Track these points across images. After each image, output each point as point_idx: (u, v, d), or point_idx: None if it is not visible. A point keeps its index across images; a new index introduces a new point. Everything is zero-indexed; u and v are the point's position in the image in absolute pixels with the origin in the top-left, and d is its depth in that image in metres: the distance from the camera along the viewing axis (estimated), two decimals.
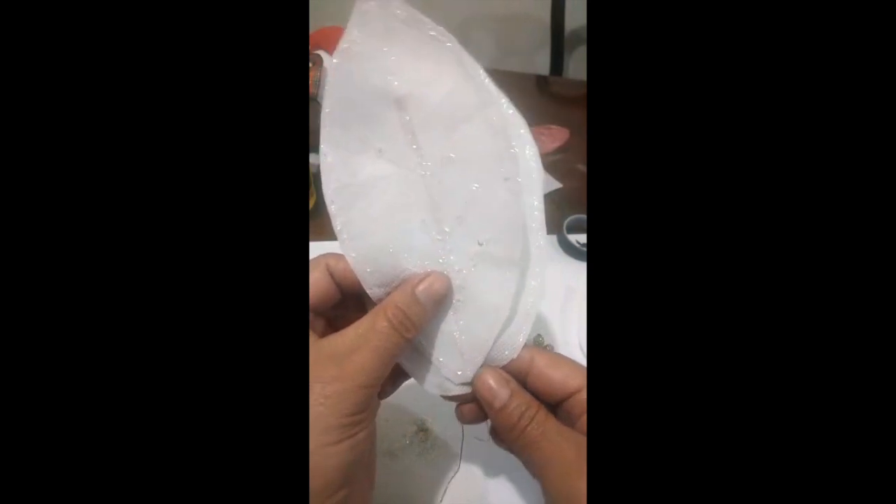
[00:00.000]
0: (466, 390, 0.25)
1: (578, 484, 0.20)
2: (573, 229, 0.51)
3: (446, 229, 0.23)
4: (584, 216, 0.52)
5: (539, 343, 0.41)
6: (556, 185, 0.60)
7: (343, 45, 0.22)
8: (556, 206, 0.56)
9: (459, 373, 0.24)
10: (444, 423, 0.35)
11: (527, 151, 0.23)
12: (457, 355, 0.24)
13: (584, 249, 0.49)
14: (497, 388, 0.23)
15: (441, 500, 0.31)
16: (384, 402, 0.36)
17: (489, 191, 0.22)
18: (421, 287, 0.23)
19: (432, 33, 0.22)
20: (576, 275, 0.47)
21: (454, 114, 0.22)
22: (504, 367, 0.24)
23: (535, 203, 0.23)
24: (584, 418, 0.23)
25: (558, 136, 0.67)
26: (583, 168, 0.63)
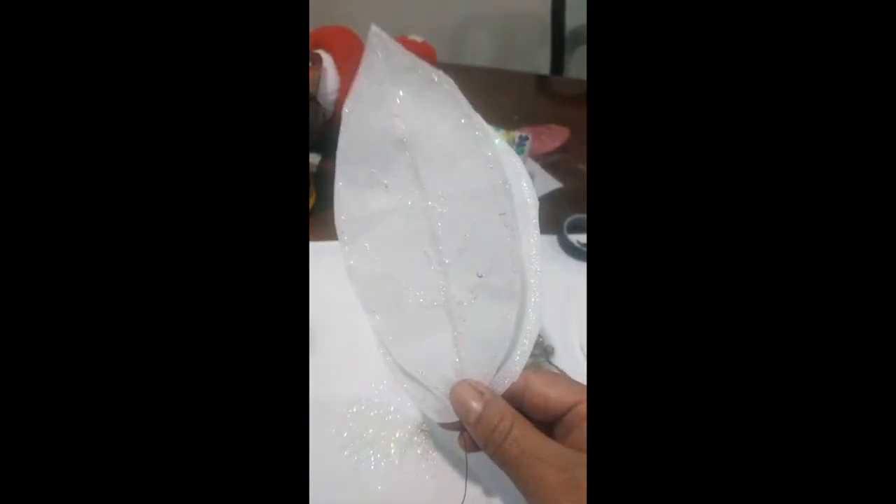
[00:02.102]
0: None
1: (560, 499, 0.20)
2: (573, 229, 0.51)
3: (447, 261, 0.24)
4: (584, 216, 0.52)
5: (539, 343, 0.41)
6: (556, 185, 0.60)
7: (354, 91, 0.24)
8: (556, 206, 0.56)
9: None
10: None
11: (522, 183, 0.25)
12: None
13: (584, 249, 0.49)
14: (469, 402, 0.23)
15: None
16: (384, 403, 0.36)
17: (486, 225, 0.23)
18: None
19: (433, 77, 0.23)
20: (576, 275, 0.47)
21: (453, 152, 0.24)
22: (503, 391, 0.24)
23: (534, 232, 0.25)
24: (582, 426, 0.23)
25: (558, 135, 0.67)
26: (583, 168, 0.63)
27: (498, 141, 0.25)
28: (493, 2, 1.06)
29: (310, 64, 0.49)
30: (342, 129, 0.24)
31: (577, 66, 1.07)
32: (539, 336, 0.41)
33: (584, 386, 0.24)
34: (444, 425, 0.25)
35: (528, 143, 0.52)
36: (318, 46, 0.52)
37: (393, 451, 0.34)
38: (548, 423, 0.24)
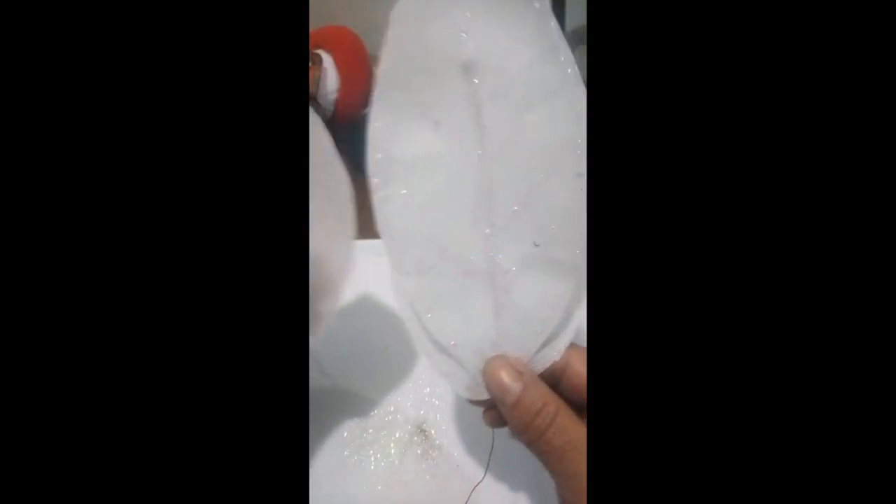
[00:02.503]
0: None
1: None
2: None
3: (499, 223, 0.21)
4: None
5: None
6: None
7: None
8: None
9: None
10: (444, 424, 0.35)
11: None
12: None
13: None
14: (508, 382, 0.20)
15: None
16: (383, 403, 0.36)
17: (557, 185, 0.20)
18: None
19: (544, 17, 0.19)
20: None
21: (532, 90, 0.20)
22: (542, 370, 0.22)
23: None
24: None
25: None
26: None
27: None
28: None
29: (310, 64, 0.49)
30: (386, 43, 0.19)
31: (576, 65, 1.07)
32: None
33: None
34: (473, 402, 0.23)
35: None
36: (318, 46, 0.52)
37: (393, 451, 0.34)
38: (583, 405, 0.22)
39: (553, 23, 0.19)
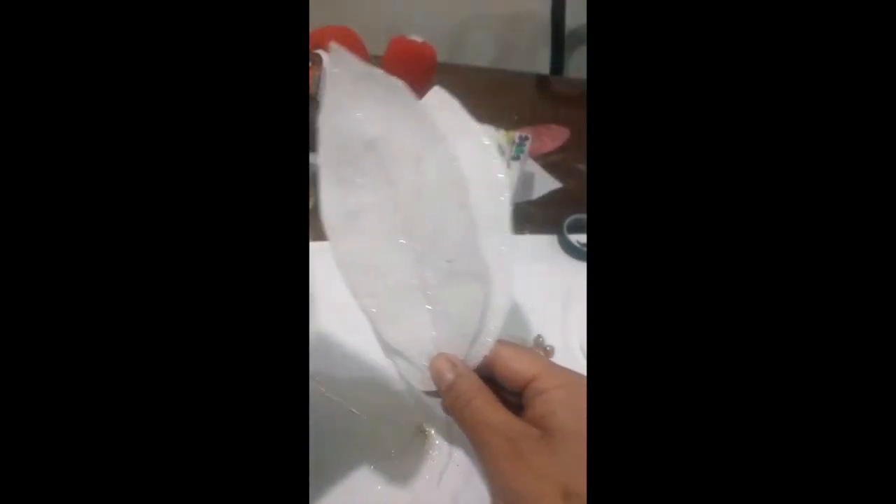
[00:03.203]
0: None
1: (507, 462, 0.22)
2: (573, 229, 0.51)
3: (419, 249, 0.27)
4: (584, 216, 0.52)
5: (540, 343, 0.41)
6: (556, 185, 0.60)
7: (325, 104, 0.26)
8: (556, 206, 0.56)
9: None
10: (445, 423, 0.35)
11: (491, 160, 0.27)
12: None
13: (584, 249, 0.49)
14: (444, 371, 0.26)
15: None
16: (383, 403, 0.36)
17: (449, 217, 0.26)
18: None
19: (389, 82, 0.26)
20: (576, 275, 0.47)
21: (415, 151, 0.26)
22: (477, 364, 0.27)
23: (502, 203, 0.27)
24: (536, 402, 0.24)
25: (558, 135, 0.67)
26: (583, 168, 0.63)
27: (462, 119, 0.28)
28: (493, 2, 1.06)
29: (310, 64, 0.49)
30: (319, 139, 0.27)
31: (577, 66, 1.07)
32: (539, 336, 0.41)
33: (546, 360, 0.26)
34: (426, 392, 0.28)
35: (527, 143, 0.52)
36: (319, 46, 0.52)
37: (393, 451, 0.34)
38: (517, 394, 0.26)
39: (411, 99, 0.26)
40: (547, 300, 0.45)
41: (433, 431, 0.35)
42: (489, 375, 0.27)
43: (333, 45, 0.25)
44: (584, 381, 0.25)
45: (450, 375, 0.26)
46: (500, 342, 0.27)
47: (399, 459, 0.33)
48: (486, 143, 0.28)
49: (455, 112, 0.29)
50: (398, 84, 0.26)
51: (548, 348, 0.41)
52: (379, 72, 0.26)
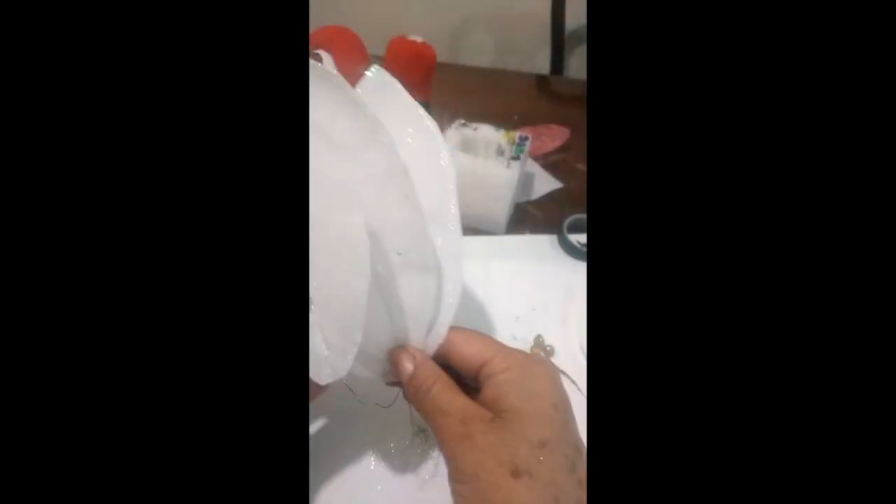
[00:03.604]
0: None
1: (458, 443, 0.23)
2: (573, 229, 0.51)
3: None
4: (584, 216, 0.52)
5: (539, 343, 0.41)
6: (557, 185, 0.60)
7: None
8: (556, 206, 0.56)
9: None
10: None
11: (441, 150, 0.27)
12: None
13: (584, 249, 0.49)
14: (403, 362, 0.27)
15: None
16: (384, 402, 0.36)
17: (395, 208, 0.26)
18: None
19: (325, 72, 0.25)
20: (576, 275, 0.47)
21: (355, 143, 0.25)
22: (434, 352, 0.28)
23: (450, 191, 0.27)
24: (487, 385, 0.25)
25: (558, 135, 0.67)
26: (583, 168, 0.63)
27: (404, 103, 0.27)
28: (493, 2, 1.06)
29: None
30: None
31: (577, 66, 1.07)
32: (539, 336, 0.42)
33: (498, 344, 0.27)
34: (389, 383, 0.29)
35: (528, 143, 0.52)
36: (319, 46, 0.52)
37: (393, 451, 0.34)
38: (472, 377, 0.26)
39: (347, 88, 0.25)
40: (547, 300, 0.45)
41: (433, 431, 0.35)
42: (444, 362, 0.27)
43: None
44: (533, 362, 0.26)
45: (409, 366, 0.26)
46: (452, 328, 0.27)
47: (399, 459, 0.33)
48: (430, 125, 0.27)
49: (397, 95, 0.28)
50: (332, 74, 0.25)
51: (548, 348, 0.41)
52: (314, 63, 0.25)
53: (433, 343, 0.27)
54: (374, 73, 0.28)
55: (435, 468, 0.33)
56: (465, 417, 0.24)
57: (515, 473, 0.22)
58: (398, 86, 0.28)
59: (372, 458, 0.33)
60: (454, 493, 0.24)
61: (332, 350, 0.26)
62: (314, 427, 0.34)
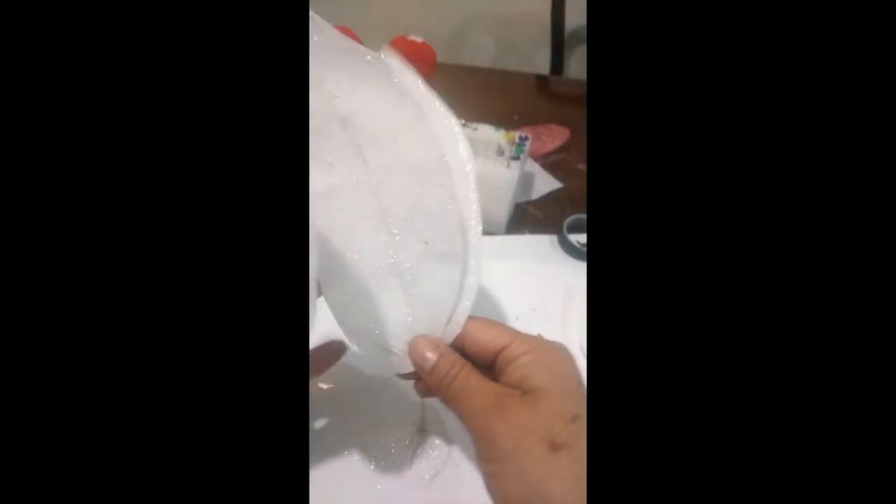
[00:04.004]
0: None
1: (492, 420, 0.23)
2: (573, 229, 0.51)
3: (395, 231, 0.26)
4: (584, 216, 0.52)
5: None
6: (557, 185, 0.60)
7: None
8: (556, 206, 0.56)
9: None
10: (444, 423, 0.35)
11: (460, 151, 0.27)
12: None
13: (584, 249, 0.49)
14: (427, 354, 0.26)
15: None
16: (383, 403, 0.36)
17: (429, 196, 0.26)
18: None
19: (368, 58, 0.25)
20: (576, 275, 0.47)
21: (394, 129, 0.26)
22: (451, 341, 0.28)
23: (472, 196, 0.27)
24: (509, 369, 0.25)
25: (558, 135, 0.67)
26: (583, 168, 0.63)
27: (437, 110, 0.27)
28: (493, 2, 1.06)
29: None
30: None
31: (577, 66, 1.07)
32: (538, 336, 0.41)
33: (513, 330, 0.27)
34: (401, 375, 0.29)
35: (528, 143, 0.52)
36: None
37: (393, 450, 0.34)
38: (487, 365, 0.27)
39: (393, 76, 0.25)
40: (547, 300, 0.45)
41: (433, 431, 0.35)
42: (459, 350, 0.27)
43: (313, 15, 0.24)
44: (551, 345, 0.26)
45: (432, 356, 0.26)
46: (470, 317, 0.27)
47: (399, 459, 0.33)
48: (455, 129, 0.27)
49: (410, 82, 0.27)
50: (379, 60, 0.25)
51: None
52: (361, 48, 0.25)
53: (451, 333, 0.27)
54: (376, 59, 0.28)
55: (435, 468, 0.33)
56: (498, 394, 0.24)
57: (554, 447, 0.22)
58: (412, 73, 0.27)
59: (372, 458, 0.33)
60: (488, 474, 0.23)
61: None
62: (314, 426, 0.34)
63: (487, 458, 0.23)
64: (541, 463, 0.22)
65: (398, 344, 0.28)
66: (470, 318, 0.27)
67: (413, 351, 0.27)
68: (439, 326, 0.27)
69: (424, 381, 0.27)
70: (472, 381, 0.25)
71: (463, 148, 0.27)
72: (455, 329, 0.27)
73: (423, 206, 0.26)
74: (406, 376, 0.29)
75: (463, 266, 0.27)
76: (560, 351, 0.26)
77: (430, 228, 0.26)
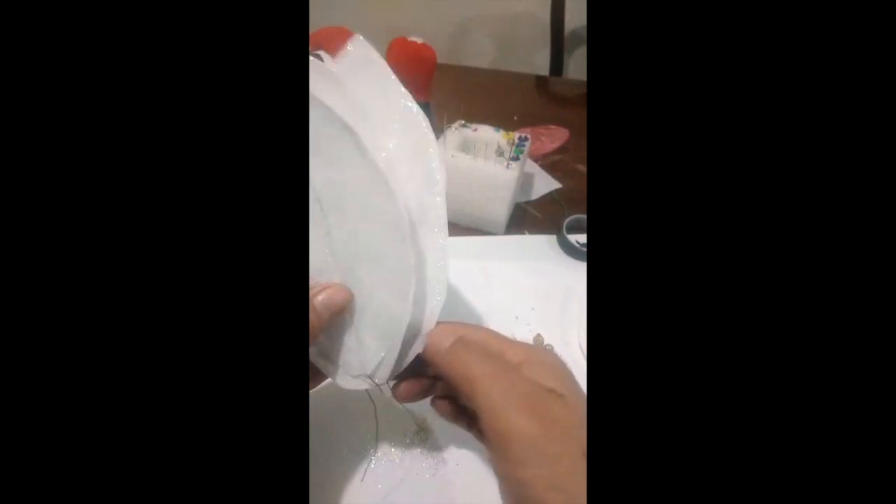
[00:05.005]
0: (383, 380, 0.28)
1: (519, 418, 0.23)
2: (573, 229, 0.51)
3: (339, 245, 0.27)
4: (584, 216, 0.52)
5: (539, 343, 0.41)
6: (556, 185, 0.60)
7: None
8: (556, 206, 0.57)
9: (376, 361, 0.28)
10: (445, 424, 0.35)
11: (430, 154, 0.27)
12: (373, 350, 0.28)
13: (584, 249, 0.50)
14: (443, 341, 0.26)
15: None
16: (384, 402, 0.36)
17: (389, 249, 0.26)
18: (320, 297, 0.25)
19: (334, 121, 0.25)
20: (576, 275, 0.47)
21: (329, 149, 0.25)
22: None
23: (438, 201, 0.27)
24: None
25: (558, 136, 0.67)
26: (583, 168, 0.63)
27: (405, 104, 0.27)
28: (493, 2, 1.06)
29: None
30: None
31: (577, 66, 1.07)
32: (538, 335, 0.42)
33: (506, 338, 0.27)
34: (395, 378, 0.29)
35: (527, 144, 0.52)
36: (319, 47, 0.52)
37: (393, 450, 0.34)
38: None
39: (361, 139, 0.25)
40: (547, 300, 0.45)
41: (434, 431, 0.35)
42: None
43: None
44: (543, 351, 0.26)
45: (449, 339, 0.26)
46: (461, 325, 0.27)
47: (399, 458, 0.34)
48: (425, 128, 0.27)
49: (380, 74, 0.28)
50: (347, 123, 0.25)
51: (547, 348, 0.41)
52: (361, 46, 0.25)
53: (429, 326, 0.28)
54: (355, 46, 0.28)
55: (435, 468, 0.33)
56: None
57: (552, 391, 0.23)
58: (384, 65, 0.27)
59: (372, 458, 0.33)
60: (519, 481, 0.21)
61: (363, 348, 0.27)
62: (314, 427, 0.34)
63: (515, 460, 0.21)
64: (546, 403, 0.22)
65: (396, 342, 0.28)
66: (464, 325, 0.27)
67: (432, 340, 0.27)
68: (431, 323, 0.27)
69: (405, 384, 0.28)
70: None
71: (431, 148, 0.27)
72: (431, 323, 0.28)
73: (366, 225, 0.26)
74: (398, 377, 0.29)
75: (420, 273, 0.27)
76: (555, 356, 0.26)
77: (375, 246, 0.26)
